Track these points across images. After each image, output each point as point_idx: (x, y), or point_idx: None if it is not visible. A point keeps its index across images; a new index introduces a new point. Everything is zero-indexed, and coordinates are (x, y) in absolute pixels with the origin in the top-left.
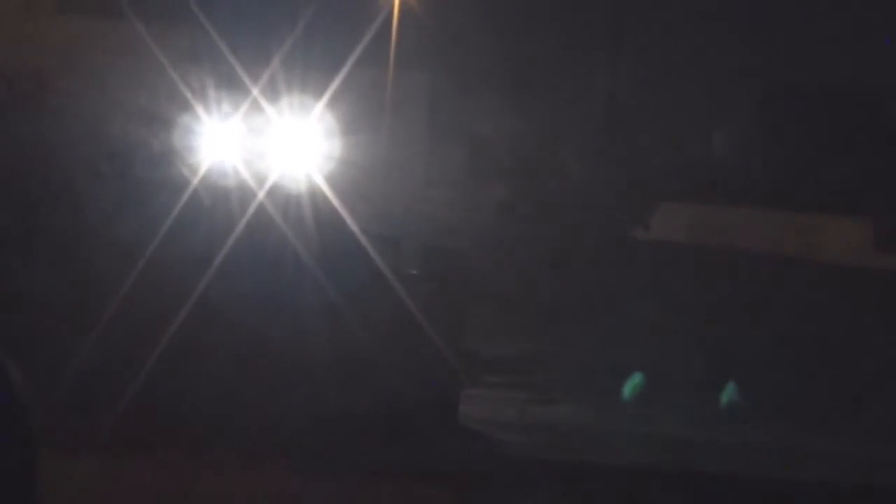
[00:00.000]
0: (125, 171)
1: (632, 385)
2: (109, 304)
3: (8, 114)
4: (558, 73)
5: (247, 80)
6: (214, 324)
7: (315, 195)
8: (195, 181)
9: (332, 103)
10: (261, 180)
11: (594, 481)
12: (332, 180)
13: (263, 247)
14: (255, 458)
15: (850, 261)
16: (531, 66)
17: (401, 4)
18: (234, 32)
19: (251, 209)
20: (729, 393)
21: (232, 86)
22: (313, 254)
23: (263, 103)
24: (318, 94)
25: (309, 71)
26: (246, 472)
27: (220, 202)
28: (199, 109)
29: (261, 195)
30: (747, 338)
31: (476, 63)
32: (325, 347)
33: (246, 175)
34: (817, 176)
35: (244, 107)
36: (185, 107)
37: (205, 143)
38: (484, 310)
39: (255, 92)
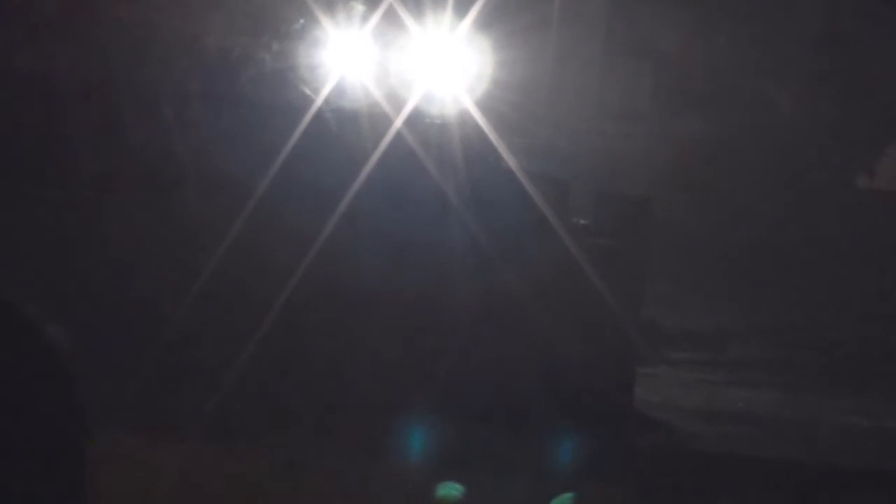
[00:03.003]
0: (236, 93)
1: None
2: (219, 247)
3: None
4: None
5: None
6: (340, 273)
7: (464, 125)
8: (320, 104)
9: (486, 13)
10: (399, 105)
11: (796, 481)
12: (484, 107)
13: (401, 186)
14: (379, 446)
15: None
16: None
17: None
18: None
19: (387, 139)
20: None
21: None
22: (459, 196)
23: (402, 12)
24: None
25: None
26: (370, 465)
27: (351, 129)
28: (326, 19)
29: (398, 123)
30: None
31: None
32: (472, 310)
33: (381, 99)
34: None
35: (378, 16)
36: (310, 16)
37: (333, 60)
38: (668, 271)
39: None
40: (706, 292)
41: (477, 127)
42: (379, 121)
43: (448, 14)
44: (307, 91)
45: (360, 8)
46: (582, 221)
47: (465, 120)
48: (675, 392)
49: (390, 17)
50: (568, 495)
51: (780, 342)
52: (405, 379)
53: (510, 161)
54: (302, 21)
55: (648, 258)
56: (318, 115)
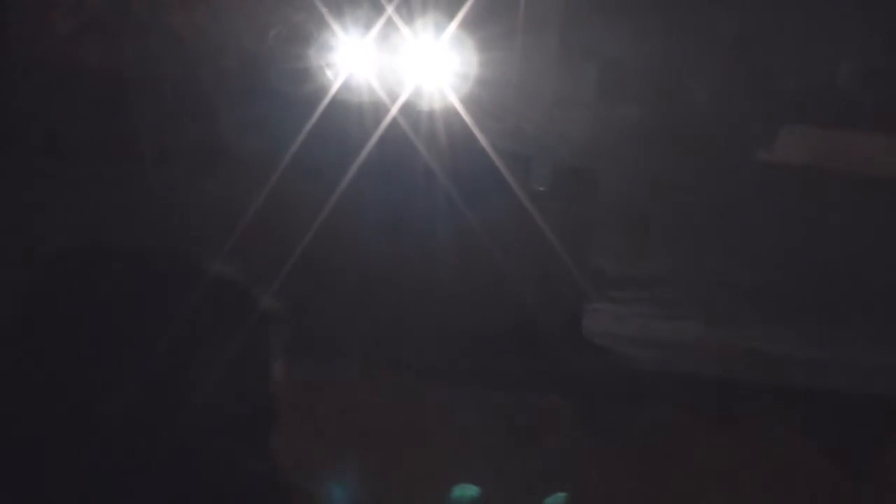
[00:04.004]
0: (255, 86)
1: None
2: (236, 222)
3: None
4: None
5: None
6: (342, 241)
7: (447, 112)
8: (327, 97)
9: (465, 22)
10: (393, 97)
11: (713, 393)
12: (464, 98)
13: (396, 162)
14: (375, 371)
15: None
16: None
17: None
18: None
19: (384, 124)
20: None
21: (366, 2)
22: (445, 169)
23: (397, 21)
24: (452, 12)
25: None
26: (365, 384)
27: (353, 117)
28: (333, 25)
29: (394, 111)
30: (869, 258)
31: None
32: (453, 262)
33: (379, 91)
34: None
35: (378, 24)
36: (319, 21)
37: (338, 59)
38: (611, 229)
39: (389, 9)
40: (643, 245)
41: (457, 114)
42: (378, 109)
43: (432, 22)
44: (319, 84)
45: (361, 16)
46: (541, 188)
47: (447, 109)
48: (615, 324)
49: (387, 26)
50: (560, 495)
51: (701, 284)
52: (403, 304)
53: (484, 140)
54: (316, 28)
55: (595, 218)
56: (330, 106)
